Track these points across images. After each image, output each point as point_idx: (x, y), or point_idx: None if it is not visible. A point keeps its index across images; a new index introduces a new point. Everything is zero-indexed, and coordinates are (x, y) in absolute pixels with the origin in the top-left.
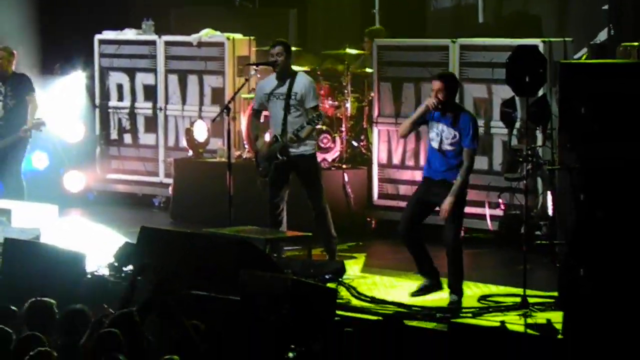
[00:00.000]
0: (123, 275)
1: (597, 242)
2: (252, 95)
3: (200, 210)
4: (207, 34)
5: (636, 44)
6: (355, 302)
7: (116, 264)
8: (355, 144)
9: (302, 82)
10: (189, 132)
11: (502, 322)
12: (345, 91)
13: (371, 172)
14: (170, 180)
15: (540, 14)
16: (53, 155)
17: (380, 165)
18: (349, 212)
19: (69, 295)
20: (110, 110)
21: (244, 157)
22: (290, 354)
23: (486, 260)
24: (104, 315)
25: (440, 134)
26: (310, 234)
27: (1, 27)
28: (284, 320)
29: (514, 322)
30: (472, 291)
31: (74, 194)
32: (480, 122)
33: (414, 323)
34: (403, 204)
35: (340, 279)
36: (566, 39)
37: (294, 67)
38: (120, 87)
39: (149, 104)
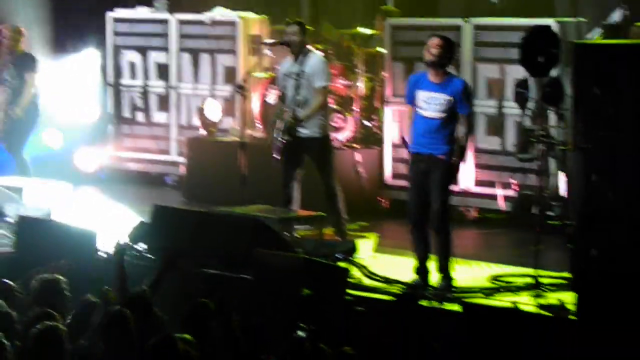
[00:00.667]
0: (137, 254)
1: (608, 223)
2: (264, 75)
3: (213, 189)
4: (219, 12)
5: None
6: (366, 281)
7: (130, 243)
8: (367, 123)
9: (313, 60)
10: (201, 111)
11: (515, 303)
12: (358, 70)
13: (383, 152)
14: (182, 159)
15: None
16: (66, 133)
17: (393, 145)
18: (361, 192)
19: (80, 272)
20: (123, 89)
21: (257, 136)
22: (301, 333)
23: (498, 240)
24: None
25: (430, 101)
26: (322, 213)
27: (15, 5)
28: (295, 298)
29: (527, 302)
30: (485, 271)
31: (87, 172)
32: (494, 103)
33: (426, 303)
34: None
35: (351, 259)
36: (580, 19)
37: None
38: (133, 66)
39: (162, 83)
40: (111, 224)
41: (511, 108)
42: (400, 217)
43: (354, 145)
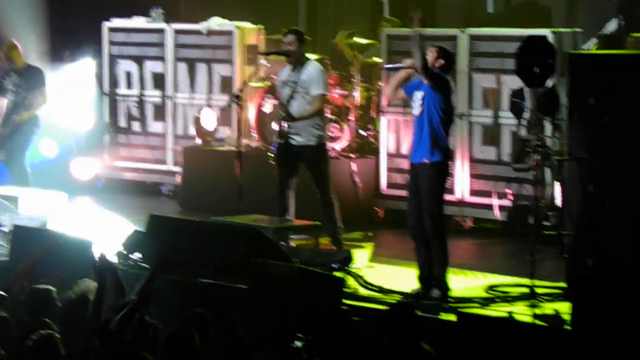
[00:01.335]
0: (131, 263)
1: (605, 233)
2: (261, 84)
3: (209, 198)
4: (215, 22)
5: None
6: (362, 291)
7: (125, 252)
8: (363, 133)
9: (310, 69)
10: (197, 121)
11: (510, 313)
12: (354, 80)
13: (379, 161)
14: (178, 169)
15: (550, 4)
16: (61, 142)
17: (389, 155)
18: (357, 202)
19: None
20: (119, 98)
21: (253, 145)
22: (298, 343)
23: (494, 250)
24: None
25: (415, 100)
26: (318, 223)
27: (11, 14)
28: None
29: (522, 312)
30: (480, 281)
31: (83, 181)
32: (489, 113)
33: (421, 313)
34: None
35: (347, 268)
36: (576, 29)
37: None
38: (129, 75)
39: (158, 92)
40: (107, 234)
41: (507, 118)
42: (396, 226)
43: (350, 154)
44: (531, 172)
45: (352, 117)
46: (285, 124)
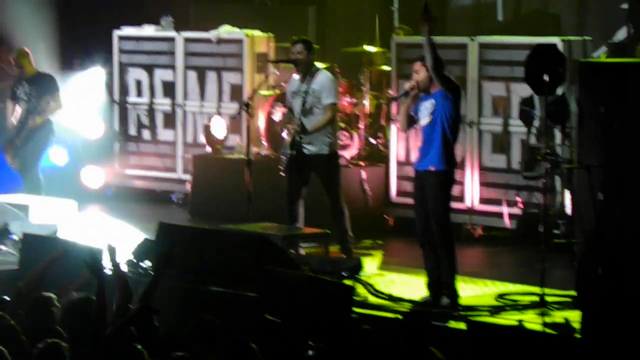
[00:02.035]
0: (141, 271)
1: (615, 241)
2: (270, 92)
3: (218, 206)
4: (225, 30)
5: None
6: (372, 299)
7: (134, 260)
8: (373, 141)
9: (321, 78)
10: (207, 129)
11: (520, 321)
12: (364, 88)
13: (389, 169)
14: (188, 177)
15: (560, 13)
16: (72, 151)
17: (398, 163)
18: (367, 210)
19: (86, 290)
20: (129, 107)
21: (262, 153)
22: (310, 352)
23: (504, 258)
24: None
25: (423, 109)
26: (328, 231)
27: (22, 23)
28: (302, 317)
29: (532, 320)
30: (490, 289)
31: (93, 189)
32: (499, 120)
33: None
34: None
35: (357, 276)
36: (585, 37)
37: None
38: (139, 83)
39: (168, 100)
40: (117, 242)
41: (517, 126)
42: (406, 234)
43: (360, 162)
44: (541, 180)
45: (361, 125)
46: (298, 136)
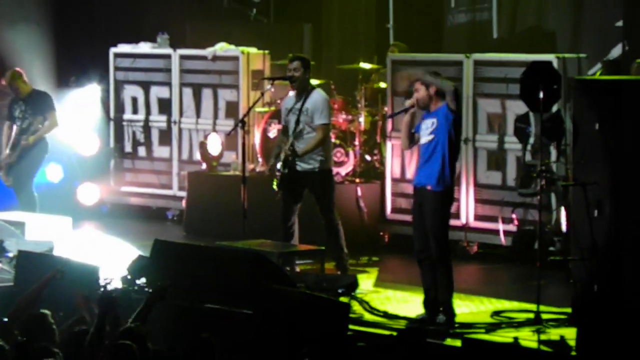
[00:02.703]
0: (136, 288)
1: (611, 258)
2: (266, 109)
3: (214, 223)
4: (221, 47)
5: None
6: (368, 316)
7: (129, 277)
8: (368, 158)
9: (315, 97)
10: (202, 146)
11: (516, 338)
12: (359, 105)
13: (384, 186)
14: (183, 194)
15: (555, 30)
16: (67, 167)
17: (394, 180)
18: (362, 226)
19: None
20: (124, 123)
21: (258, 170)
22: None
23: (499, 275)
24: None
25: (425, 127)
26: (323, 247)
27: (18, 40)
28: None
29: (528, 338)
30: (486, 307)
31: (88, 206)
32: (494, 138)
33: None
34: None
35: (353, 294)
36: (580, 55)
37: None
38: (135, 100)
39: (164, 117)
40: (113, 259)
41: (512, 143)
42: (401, 251)
43: (355, 179)
44: (536, 197)
45: (357, 142)
46: (290, 156)
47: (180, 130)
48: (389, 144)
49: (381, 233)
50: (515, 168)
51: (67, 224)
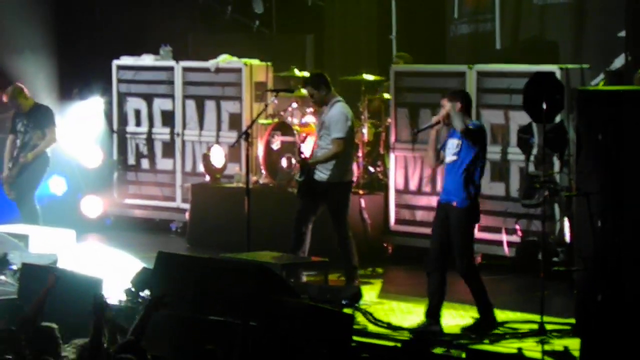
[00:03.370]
0: (140, 300)
1: (614, 268)
2: (269, 121)
3: (217, 235)
4: (224, 59)
5: None
6: (371, 327)
7: (133, 289)
8: (372, 169)
9: (333, 112)
10: (206, 158)
11: (520, 349)
12: (362, 117)
13: (388, 197)
14: (187, 206)
15: (558, 41)
16: (71, 180)
17: (397, 191)
18: (366, 238)
19: (86, 320)
20: (128, 136)
21: (261, 182)
22: None
23: (503, 286)
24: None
25: (450, 147)
26: (326, 259)
27: (21, 52)
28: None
29: (532, 348)
30: None
31: (92, 219)
32: (498, 149)
33: (439, 350)
34: (420, 229)
35: (356, 305)
36: (583, 65)
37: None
38: (138, 113)
39: (167, 130)
40: (116, 271)
41: (515, 154)
42: (405, 262)
43: (359, 191)
44: (540, 208)
45: (360, 154)
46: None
47: (183, 142)
48: (392, 155)
49: (385, 244)
50: (519, 179)
51: (70, 237)
